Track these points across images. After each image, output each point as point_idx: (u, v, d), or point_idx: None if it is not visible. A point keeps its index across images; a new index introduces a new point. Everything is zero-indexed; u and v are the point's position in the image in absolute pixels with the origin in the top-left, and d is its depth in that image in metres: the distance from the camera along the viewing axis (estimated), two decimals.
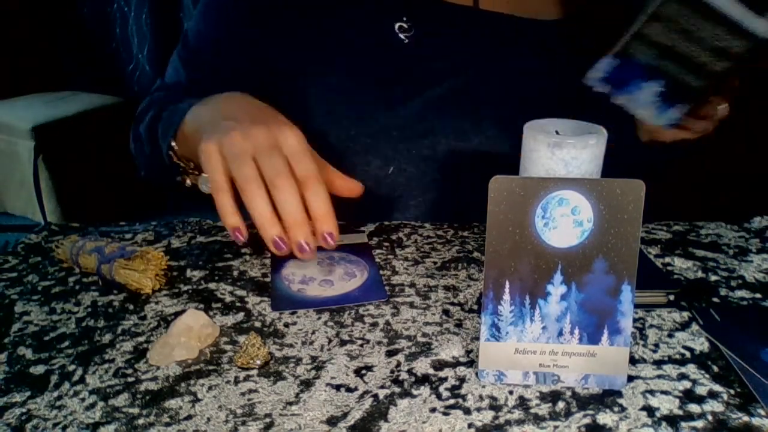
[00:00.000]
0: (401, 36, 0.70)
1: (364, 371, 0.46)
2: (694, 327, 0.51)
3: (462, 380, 0.45)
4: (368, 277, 0.60)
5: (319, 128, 0.71)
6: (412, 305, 0.55)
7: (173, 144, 0.63)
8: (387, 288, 0.57)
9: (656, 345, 0.49)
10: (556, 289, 0.42)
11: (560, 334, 0.43)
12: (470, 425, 0.40)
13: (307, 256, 0.48)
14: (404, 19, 0.70)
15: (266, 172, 0.49)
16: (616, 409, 0.42)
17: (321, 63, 0.71)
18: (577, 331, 0.43)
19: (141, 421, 0.41)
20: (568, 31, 0.75)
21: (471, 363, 0.47)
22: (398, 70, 0.71)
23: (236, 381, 0.45)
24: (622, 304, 0.42)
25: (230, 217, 0.50)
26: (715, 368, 0.46)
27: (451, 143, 0.72)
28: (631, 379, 0.45)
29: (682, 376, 0.45)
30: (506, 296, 0.43)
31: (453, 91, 0.72)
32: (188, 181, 0.65)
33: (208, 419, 0.41)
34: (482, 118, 0.72)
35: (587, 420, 0.41)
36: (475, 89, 0.72)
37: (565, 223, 0.41)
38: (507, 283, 0.42)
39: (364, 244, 0.67)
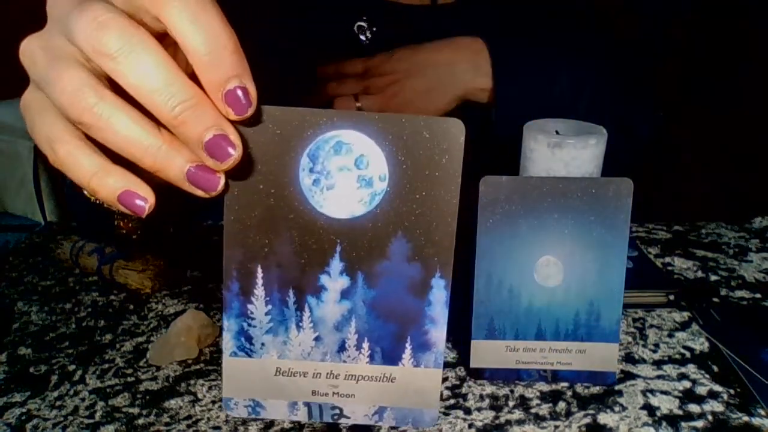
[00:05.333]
0: (361, 36, 0.69)
1: None
2: (694, 327, 0.51)
3: (462, 380, 0.45)
4: None
5: None
6: None
7: None
8: None
9: (656, 345, 0.49)
10: (335, 282, 0.30)
11: (342, 348, 0.31)
12: (471, 425, 0.40)
13: (234, 155, 0.26)
14: (363, 18, 0.69)
15: (84, 45, 0.26)
16: (616, 408, 0.42)
17: (283, 62, 0.70)
18: (366, 345, 0.31)
19: (141, 421, 0.41)
20: (536, 9, 0.73)
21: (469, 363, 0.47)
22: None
23: None
24: (433, 307, 0.31)
25: (111, 174, 0.27)
26: (715, 368, 0.46)
27: None
28: (631, 378, 0.45)
29: (682, 376, 0.45)
30: (259, 290, 0.30)
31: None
32: (123, 227, 0.48)
33: (208, 419, 0.41)
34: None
35: (588, 420, 0.41)
36: None
37: (346, 180, 0.29)
38: (259, 270, 0.30)
39: None
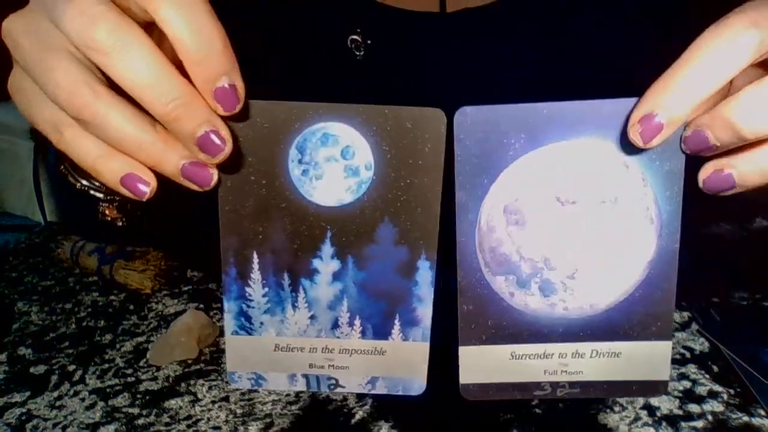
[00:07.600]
0: (355, 51, 0.63)
1: None
2: (694, 327, 0.51)
3: None
4: None
5: None
6: None
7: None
8: None
9: None
10: (327, 265, 0.32)
11: (335, 325, 0.33)
12: (471, 425, 0.40)
13: (225, 150, 0.27)
14: (358, 31, 0.60)
15: (74, 38, 0.26)
16: (616, 408, 0.42)
17: (270, 86, 0.60)
18: (358, 322, 0.33)
19: (141, 421, 0.41)
20: (551, 8, 0.63)
21: None
22: (354, 88, 0.60)
23: None
24: (419, 287, 0.32)
25: (115, 158, 0.27)
26: (715, 368, 0.46)
27: None
28: None
29: (682, 376, 0.45)
30: (255, 274, 0.32)
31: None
32: (108, 214, 0.47)
33: (208, 419, 0.41)
34: None
35: (588, 420, 0.41)
36: (446, 104, 0.63)
37: (334, 170, 0.30)
38: (255, 256, 0.32)
39: None
